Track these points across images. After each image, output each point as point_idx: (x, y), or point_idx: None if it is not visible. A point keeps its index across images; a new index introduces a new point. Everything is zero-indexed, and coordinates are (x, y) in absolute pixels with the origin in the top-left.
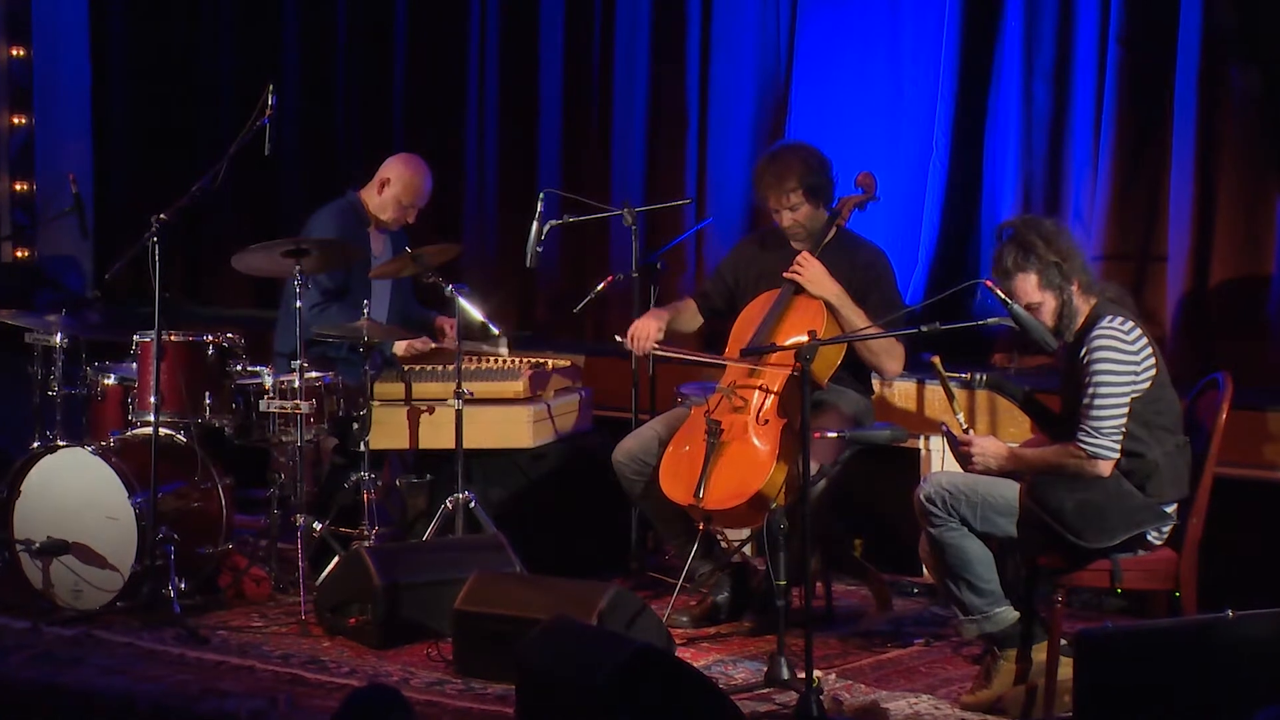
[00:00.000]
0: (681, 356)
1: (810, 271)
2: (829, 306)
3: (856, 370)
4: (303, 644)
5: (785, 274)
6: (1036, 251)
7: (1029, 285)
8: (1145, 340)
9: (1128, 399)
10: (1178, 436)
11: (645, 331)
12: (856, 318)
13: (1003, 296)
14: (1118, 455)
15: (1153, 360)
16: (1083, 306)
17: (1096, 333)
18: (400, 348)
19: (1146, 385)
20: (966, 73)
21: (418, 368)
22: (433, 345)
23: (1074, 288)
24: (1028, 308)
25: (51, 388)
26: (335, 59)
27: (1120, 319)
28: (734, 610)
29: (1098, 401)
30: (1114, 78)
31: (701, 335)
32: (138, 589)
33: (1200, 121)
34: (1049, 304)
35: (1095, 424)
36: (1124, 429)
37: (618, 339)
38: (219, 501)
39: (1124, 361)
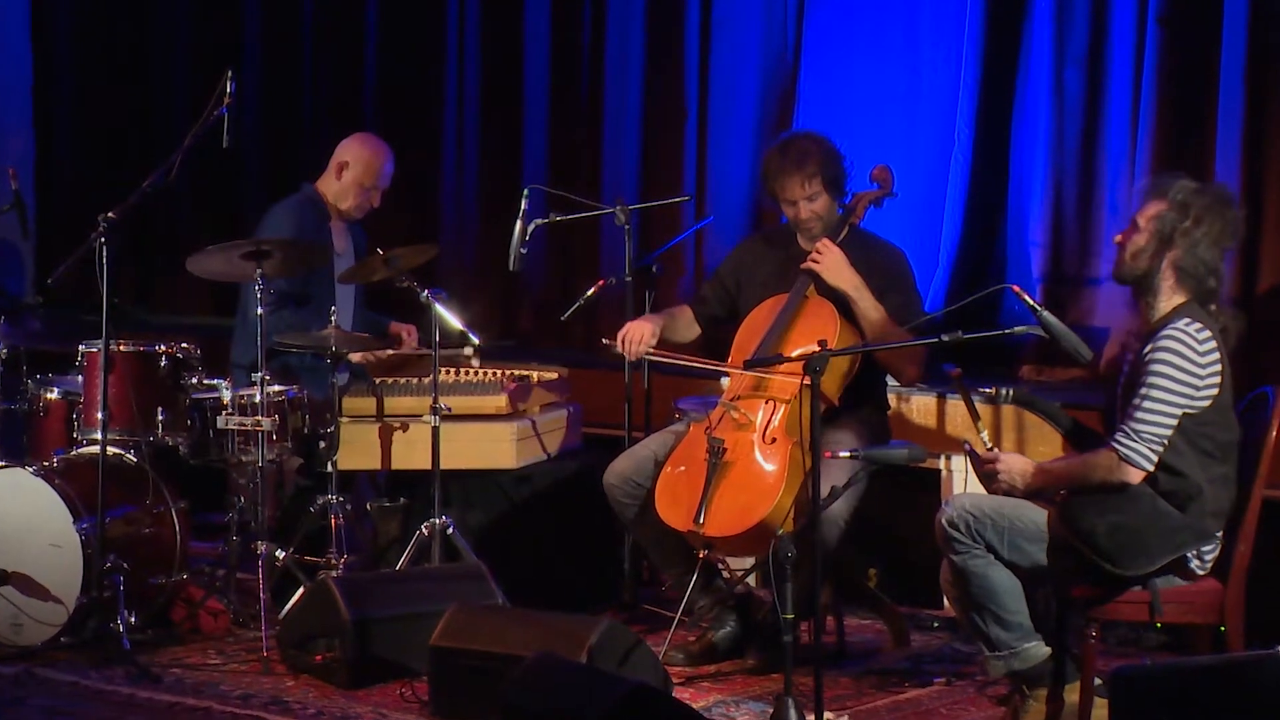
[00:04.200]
0: (676, 361)
1: (829, 259)
2: (847, 298)
3: (872, 383)
4: (264, 683)
5: (803, 265)
6: (1190, 199)
7: (1150, 208)
8: (1217, 356)
9: (1179, 411)
10: (1226, 467)
11: (638, 334)
12: (875, 312)
13: (1031, 302)
14: (1150, 467)
15: (1218, 380)
16: (1170, 290)
17: (1166, 332)
18: (355, 358)
19: (1205, 404)
20: (991, 57)
21: (390, 381)
22: (390, 353)
23: (1170, 254)
24: (1131, 224)
25: None
26: (301, 43)
27: (1198, 325)
28: (737, 646)
29: (1147, 404)
30: (1153, 62)
31: (700, 345)
32: (84, 623)
33: (1248, 109)
34: (1139, 239)
35: (1137, 427)
36: (1166, 442)
37: (605, 341)
38: (172, 527)
39: (1186, 370)
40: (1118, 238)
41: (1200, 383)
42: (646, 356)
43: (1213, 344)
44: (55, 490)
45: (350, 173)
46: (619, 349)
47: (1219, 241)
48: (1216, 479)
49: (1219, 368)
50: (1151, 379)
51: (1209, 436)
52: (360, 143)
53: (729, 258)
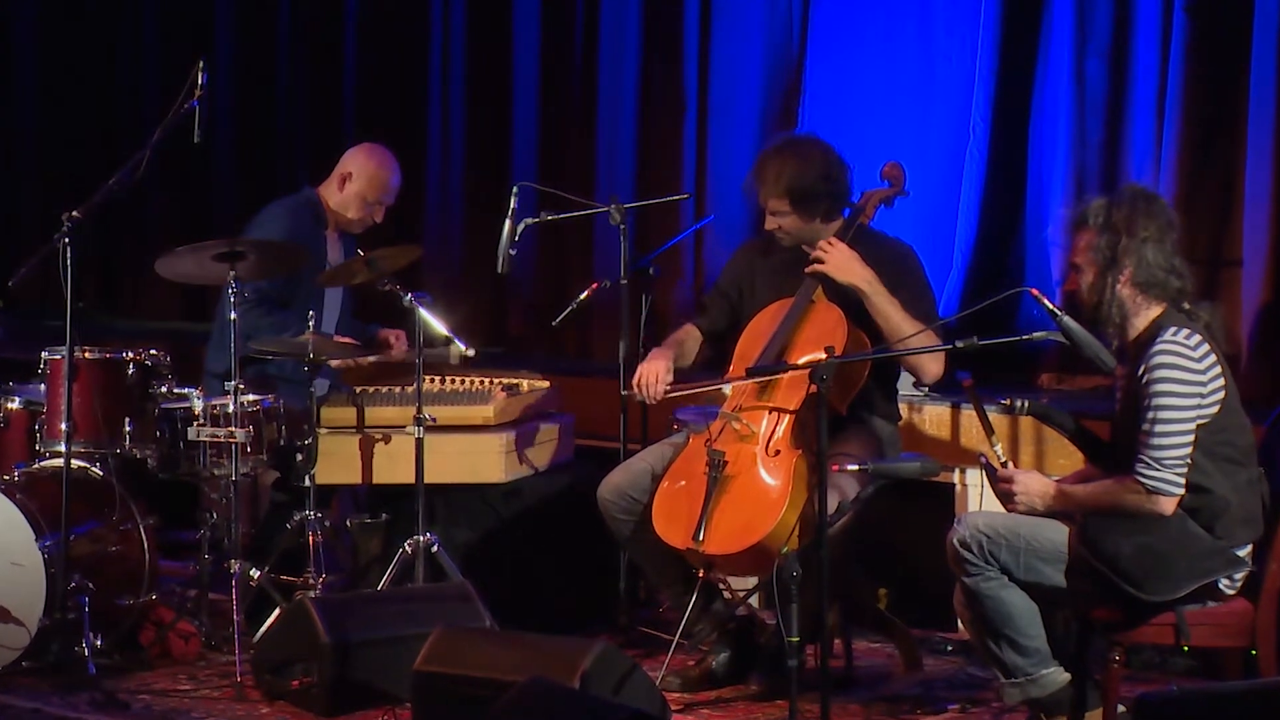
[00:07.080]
0: (698, 390)
1: (836, 256)
2: (860, 294)
3: (882, 392)
4: (238, 710)
5: (807, 269)
6: (1109, 215)
7: (1079, 243)
8: (1214, 359)
9: (1193, 426)
10: (1250, 470)
11: (653, 374)
12: (891, 308)
13: (1051, 307)
14: (1181, 491)
15: (1221, 382)
16: (1138, 306)
17: (1157, 348)
18: (335, 364)
19: (1214, 410)
20: (1009, 47)
21: (371, 389)
22: (370, 360)
23: (1123, 275)
24: (1071, 267)
25: None
26: (276, 32)
27: (1186, 332)
28: (739, 671)
29: (1159, 429)
30: (1179, 52)
31: (701, 354)
32: (46, 646)
33: None
34: (1087, 276)
35: (1156, 454)
36: (1190, 461)
37: (625, 392)
38: (141, 545)
39: (1189, 383)
40: (1067, 286)
41: (1205, 389)
42: (667, 395)
43: (1205, 347)
44: (16, 506)
45: (353, 185)
46: (639, 396)
47: (1161, 240)
48: (1242, 485)
49: (1219, 369)
50: (1157, 400)
51: (1227, 443)
52: (366, 155)
53: (728, 266)
